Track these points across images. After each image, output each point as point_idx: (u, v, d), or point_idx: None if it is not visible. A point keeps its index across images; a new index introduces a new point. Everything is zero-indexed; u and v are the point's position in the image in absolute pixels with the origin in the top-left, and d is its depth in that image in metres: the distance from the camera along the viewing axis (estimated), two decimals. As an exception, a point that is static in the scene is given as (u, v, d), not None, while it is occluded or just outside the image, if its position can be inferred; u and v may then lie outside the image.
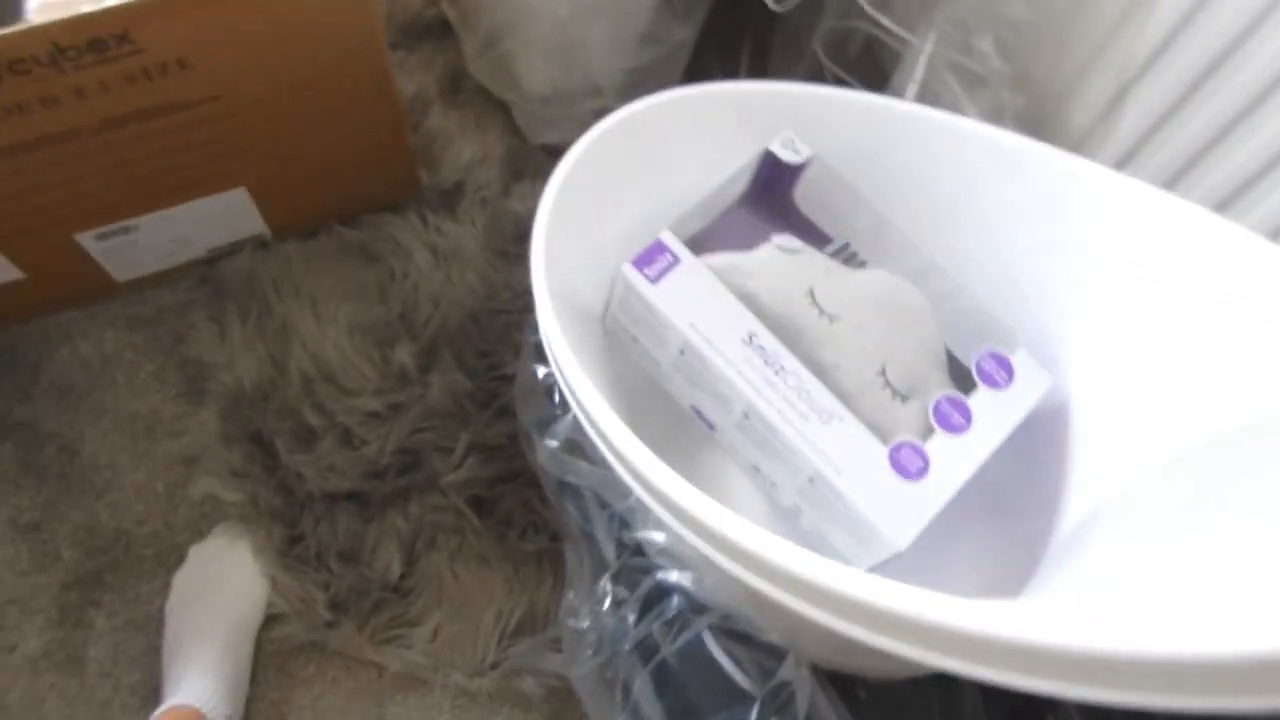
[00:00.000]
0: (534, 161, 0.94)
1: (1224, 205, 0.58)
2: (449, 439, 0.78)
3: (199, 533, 0.74)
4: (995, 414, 0.54)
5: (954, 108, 0.71)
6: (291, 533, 0.73)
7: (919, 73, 0.72)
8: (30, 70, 0.56)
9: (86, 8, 0.55)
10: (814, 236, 0.63)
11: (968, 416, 0.54)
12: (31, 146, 0.62)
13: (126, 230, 0.74)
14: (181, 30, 0.59)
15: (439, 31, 0.98)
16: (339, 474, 0.75)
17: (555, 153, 0.98)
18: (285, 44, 0.64)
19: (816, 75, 0.92)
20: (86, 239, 0.73)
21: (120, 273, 0.79)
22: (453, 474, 0.76)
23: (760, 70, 0.95)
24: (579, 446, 0.58)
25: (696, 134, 0.63)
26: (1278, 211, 0.55)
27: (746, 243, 0.60)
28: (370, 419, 0.78)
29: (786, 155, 0.61)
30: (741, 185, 0.62)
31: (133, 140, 0.65)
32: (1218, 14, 0.55)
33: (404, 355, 0.80)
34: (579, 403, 0.47)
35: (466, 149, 0.93)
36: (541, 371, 0.61)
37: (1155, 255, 0.53)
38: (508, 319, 0.84)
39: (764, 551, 0.38)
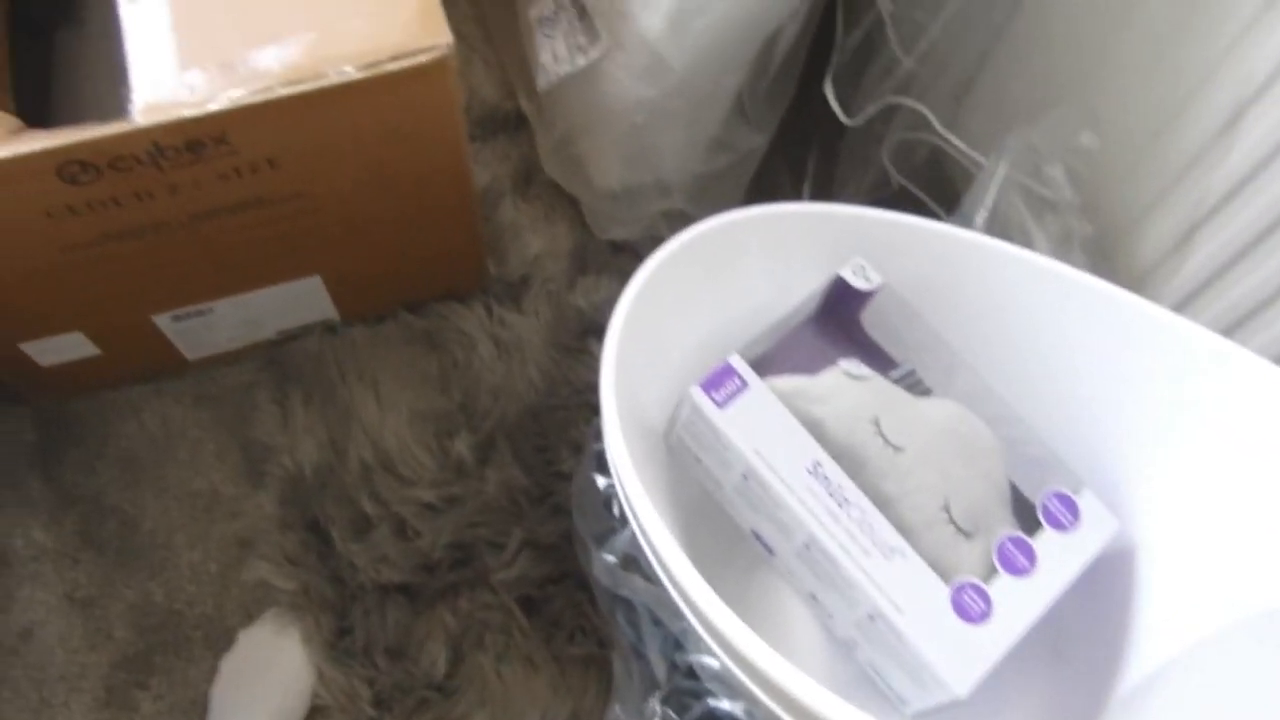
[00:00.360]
0: (601, 257, 0.96)
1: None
2: (502, 535, 0.79)
3: (249, 616, 0.75)
4: (1060, 557, 0.54)
5: (1022, 230, 0.72)
6: (340, 624, 0.74)
7: (990, 199, 0.73)
8: (131, 168, 0.59)
9: (188, 111, 0.58)
10: (880, 361, 0.64)
11: (1032, 558, 0.54)
12: (121, 236, 0.65)
13: (202, 312, 0.77)
14: (274, 132, 0.62)
15: (515, 124, 1.01)
16: (391, 565, 0.76)
17: (622, 249, 1.01)
18: (371, 145, 0.67)
19: (883, 184, 0.93)
20: (163, 319, 0.76)
21: (191, 351, 0.82)
22: (504, 571, 0.77)
23: (827, 177, 0.97)
24: (636, 562, 0.59)
25: (766, 253, 0.64)
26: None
27: (812, 364, 0.61)
28: (425, 510, 0.79)
29: (857, 282, 0.62)
30: (810, 307, 0.63)
31: (218, 232, 0.68)
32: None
33: (462, 447, 0.82)
34: (641, 529, 0.48)
35: (535, 242, 0.95)
36: (602, 482, 0.62)
37: (1219, 405, 0.53)
38: (565, 415, 0.85)
39: (816, 705, 0.38)
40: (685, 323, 0.61)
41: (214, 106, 0.58)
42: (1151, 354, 0.56)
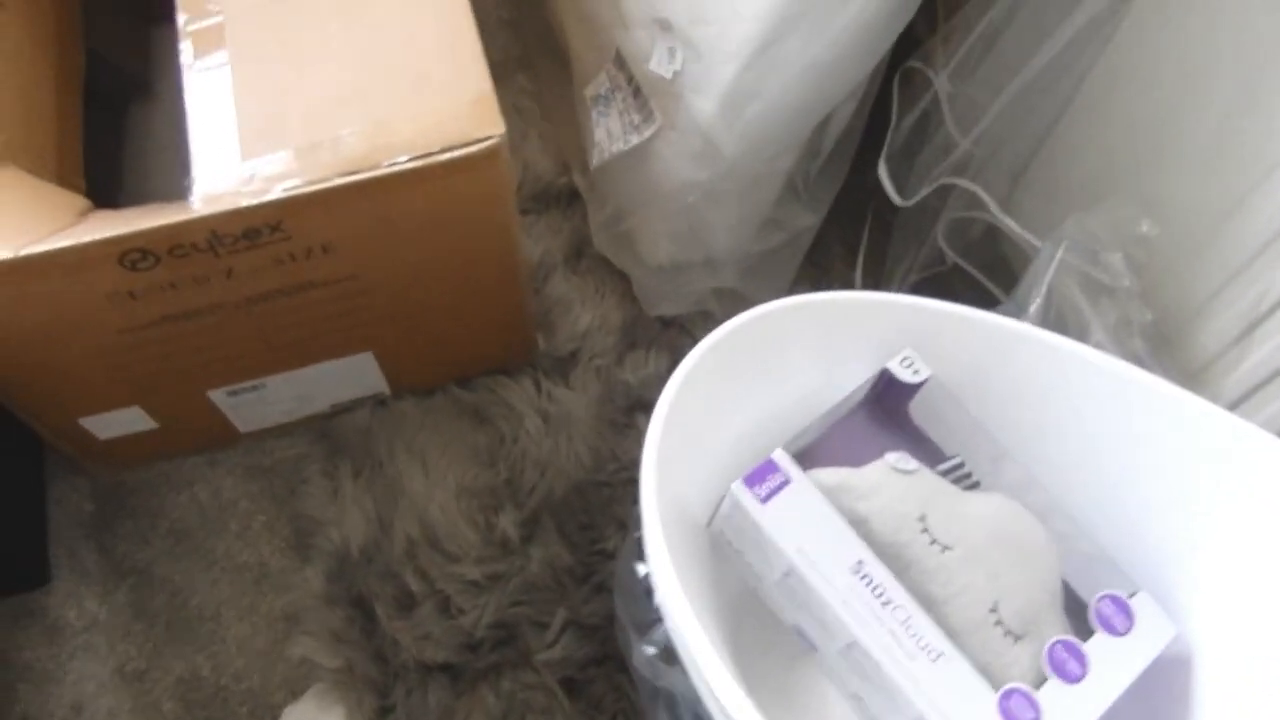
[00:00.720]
0: (650, 332, 0.97)
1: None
2: (546, 614, 0.79)
3: (293, 693, 0.76)
4: (1114, 663, 0.53)
5: (1078, 316, 0.72)
6: (383, 703, 0.75)
7: (1045, 285, 0.73)
8: (189, 254, 0.62)
9: (246, 201, 0.60)
10: (928, 452, 0.64)
11: (1084, 664, 0.53)
12: (178, 318, 0.67)
13: (256, 388, 0.79)
14: (330, 220, 0.64)
15: (567, 199, 1.03)
16: (435, 644, 0.77)
17: (671, 324, 1.02)
18: (424, 230, 0.69)
19: (937, 262, 0.93)
20: (218, 395, 0.78)
21: (245, 425, 0.84)
22: (546, 652, 0.77)
23: (881, 254, 0.98)
24: (677, 654, 0.58)
25: (813, 341, 0.64)
26: None
27: (859, 456, 0.60)
28: (470, 587, 0.80)
29: (905, 375, 0.62)
30: (858, 397, 0.63)
31: (273, 313, 0.70)
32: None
33: (507, 523, 0.82)
34: (676, 630, 0.48)
35: (585, 316, 0.97)
36: (643, 570, 0.62)
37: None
38: (611, 491, 0.86)
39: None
40: (730, 412, 0.62)
41: (271, 196, 0.60)
42: (1209, 454, 0.56)
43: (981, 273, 0.90)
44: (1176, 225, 0.69)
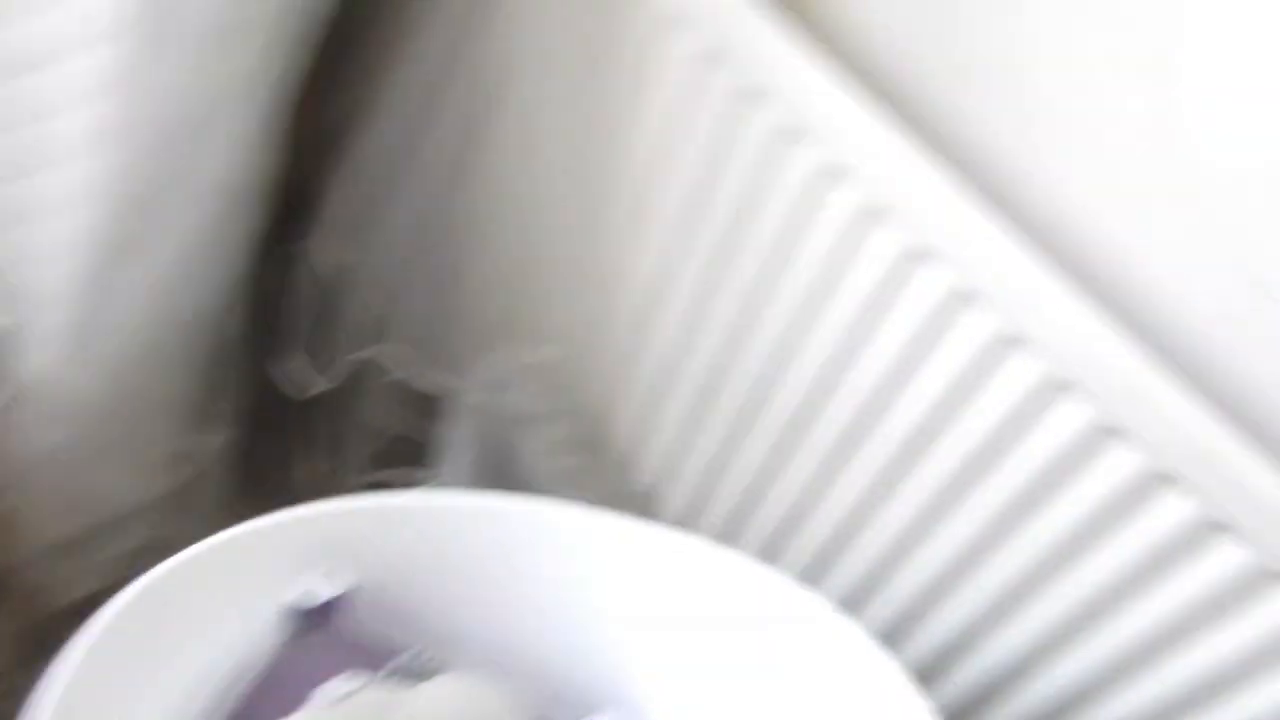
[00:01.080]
0: (55, 635, 0.90)
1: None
2: None
3: None
4: None
5: (510, 450, 0.80)
6: None
7: (467, 434, 0.80)
8: None
9: None
10: (377, 656, 0.63)
11: None
12: None
13: None
14: None
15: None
16: None
17: (88, 610, 0.95)
18: None
19: (380, 433, 0.97)
20: None
21: None
22: None
23: (326, 441, 1.00)
24: None
25: (223, 590, 0.62)
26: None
27: (296, 699, 0.59)
28: None
29: (325, 590, 0.62)
30: (281, 635, 0.62)
31: None
32: (702, 345, 0.67)
33: None
34: None
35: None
36: None
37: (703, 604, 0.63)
38: None
39: None
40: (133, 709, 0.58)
41: None
42: (635, 567, 0.64)
43: (426, 433, 0.95)
44: (573, 341, 0.77)
